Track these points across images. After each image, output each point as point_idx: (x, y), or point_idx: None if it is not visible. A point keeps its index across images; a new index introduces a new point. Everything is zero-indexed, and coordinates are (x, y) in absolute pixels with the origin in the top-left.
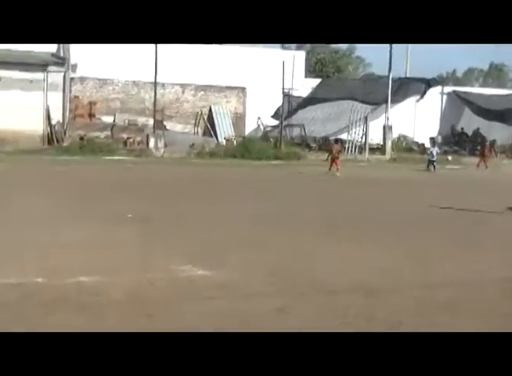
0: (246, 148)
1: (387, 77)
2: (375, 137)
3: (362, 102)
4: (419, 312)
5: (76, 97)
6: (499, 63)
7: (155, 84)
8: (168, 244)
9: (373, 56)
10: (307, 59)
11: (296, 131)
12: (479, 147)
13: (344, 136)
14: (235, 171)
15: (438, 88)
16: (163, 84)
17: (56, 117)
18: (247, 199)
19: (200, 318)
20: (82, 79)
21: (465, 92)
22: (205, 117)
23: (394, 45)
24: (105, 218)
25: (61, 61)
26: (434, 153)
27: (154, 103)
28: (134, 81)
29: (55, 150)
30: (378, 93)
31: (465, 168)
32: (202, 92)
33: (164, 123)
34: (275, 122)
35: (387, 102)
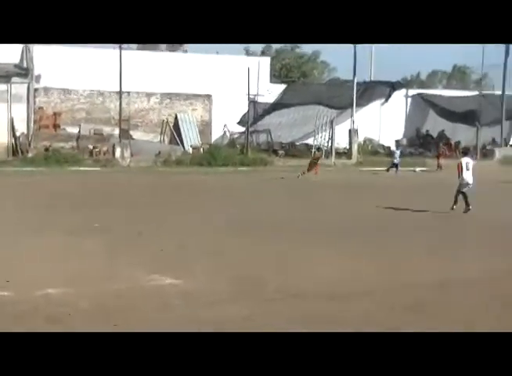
0: (212, 155)
1: (352, 81)
2: (341, 141)
3: (328, 106)
4: (383, 314)
5: (40, 108)
6: (462, 65)
7: (120, 93)
8: (136, 253)
9: (338, 61)
10: (272, 65)
11: (262, 137)
12: (439, 149)
13: (310, 141)
14: (201, 178)
15: (403, 91)
16: (128, 93)
17: (21, 128)
18: (213, 206)
19: (167, 327)
20: (46, 90)
21: (429, 95)
22: (171, 126)
23: (358, 49)
24: (71, 228)
25: (24, 72)
26: (397, 156)
27: (120, 113)
28: (99, 91)
29: (20, 161)
30: (343, 97)
31: (429, 171)
32: (168, 100)
33: (130, 132)
34: (242, 129)
35: (352, 106)
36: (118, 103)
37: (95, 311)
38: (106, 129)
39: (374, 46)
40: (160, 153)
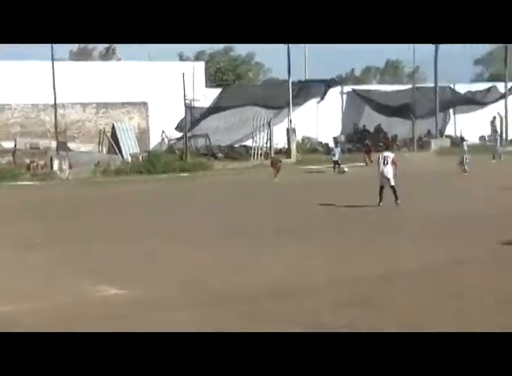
0: (151, 163)
1: (288, 81)
2: (280, 141)
3: (265, 107)
4: (331, 310)
5: None
6: (394, 60)
7: (55, 105)
8: (81, 265)
9: (273, 61)
10: (206, 69)
11: (201, 142)
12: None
13: (249, 143)
14: (140, 186)
15: (338, 88)
16: (63, 105)
17: None
18: (153, 214)
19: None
20: None
21: (364, 90)
22: (108, 135)
23: (292, 49)
24: (12, 244)
25: None
26: (336, 153)
27: (55, 125)
28: (33, 104)
29: None
30: (280, 97)
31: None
32: (103, 110)
33: (68, 144)
34: (180, 134)
35: (289, 105)
36: (53, 116)
37: (40, 326)
38: (43, 142)
39: (307, 45)
40: (98, 163)
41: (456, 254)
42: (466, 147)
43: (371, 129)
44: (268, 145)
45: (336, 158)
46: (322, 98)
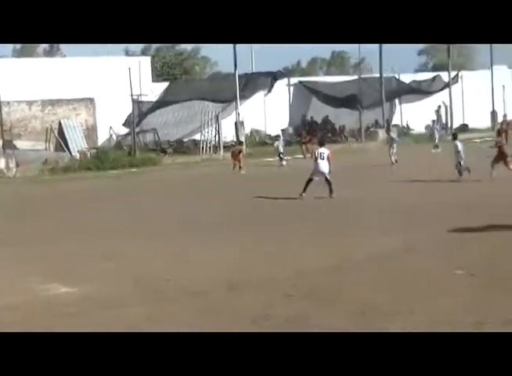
0: (100, 159)
1: (234, 74)
2: (228, 134)
3: (212, 101)
4: (282, 302)
5: None
6: (340, 51)
7: None
8: (29, 264)
9: (219, 55)
10: (153, 64)
11: (149, 137)
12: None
13: (197, 137)
14: (89, 183)
15: (285, 81)
16: (8, 103)
17: None
18: (103, 210)
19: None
20: None
21: (311, 82)
22: (55, 132)
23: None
24: None
25: None
26: (280, 146)
27: (0, 123)
28: None
29: None
30: (227, 91)
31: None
32: (50, 107)
33: (14, 142)
34: (128, 130)
35: (236, 98)
36: None
37: None
38: None
39: None
40: (46, 160)
41: (402, 244)
42: (460, 147)
43: (319, 121)
44: (217, 139)
45: (280, 151)
46: (270, 90)
